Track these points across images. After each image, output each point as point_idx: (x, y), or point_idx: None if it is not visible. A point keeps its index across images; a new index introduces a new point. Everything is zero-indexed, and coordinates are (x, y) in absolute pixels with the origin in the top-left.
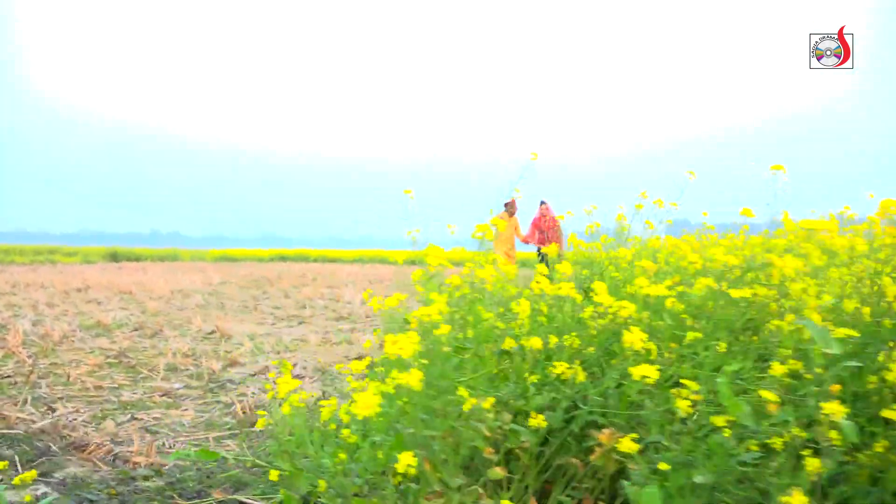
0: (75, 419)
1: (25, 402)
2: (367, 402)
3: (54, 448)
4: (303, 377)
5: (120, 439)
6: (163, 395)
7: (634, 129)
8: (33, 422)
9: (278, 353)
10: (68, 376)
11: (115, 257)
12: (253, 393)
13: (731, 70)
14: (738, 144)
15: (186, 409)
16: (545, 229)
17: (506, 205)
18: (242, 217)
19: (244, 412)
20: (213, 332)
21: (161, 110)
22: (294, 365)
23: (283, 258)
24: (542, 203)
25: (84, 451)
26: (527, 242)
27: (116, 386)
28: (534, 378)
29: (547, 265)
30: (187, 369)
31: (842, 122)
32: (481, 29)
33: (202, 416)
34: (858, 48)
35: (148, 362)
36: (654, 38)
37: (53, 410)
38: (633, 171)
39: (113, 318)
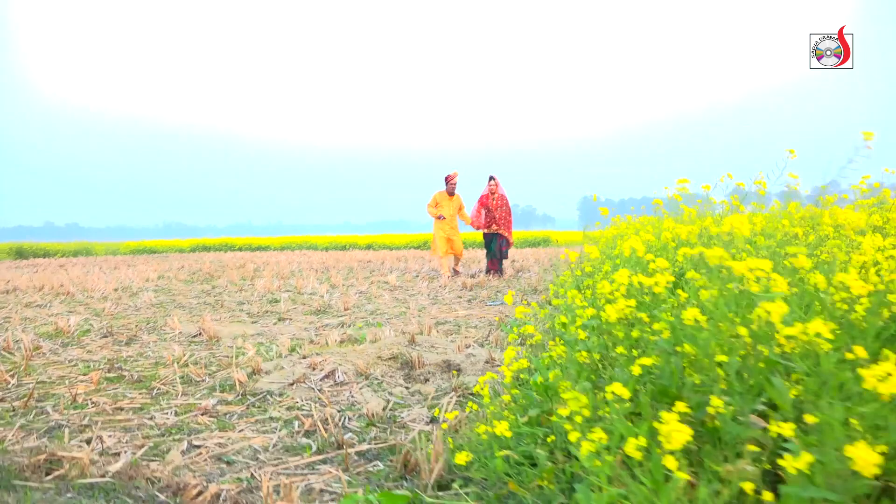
0: (133, 453)
1: (46, 432)
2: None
3: (161, 497)
4: (347, 383)
5: (195, 472)
6: (204, 415)
7: (629, 131)
8: (93, 462)
9: (305, 357)
10: (74, 397)
11: (21, 253)
12: (314, 405)
13: (730, 70)
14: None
15: (242, 430)
16: (493, 209)
17: (446, 179)
18: (143, 206)
19: (326, 431)
20: (198, 335)
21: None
22: (332, 371)
23: (205, 248)
24: (491, 179)
25: (184, 495)
26: (474, 226)
27: (139, 406)
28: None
29: (496, 249)
30: (203, 380)
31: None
32: (456, 17)
33: (270, 438)
34: (858, 48)
35: (152, 375)
36: (653, 38)
37: (89, 442)
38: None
39: (73, 324)
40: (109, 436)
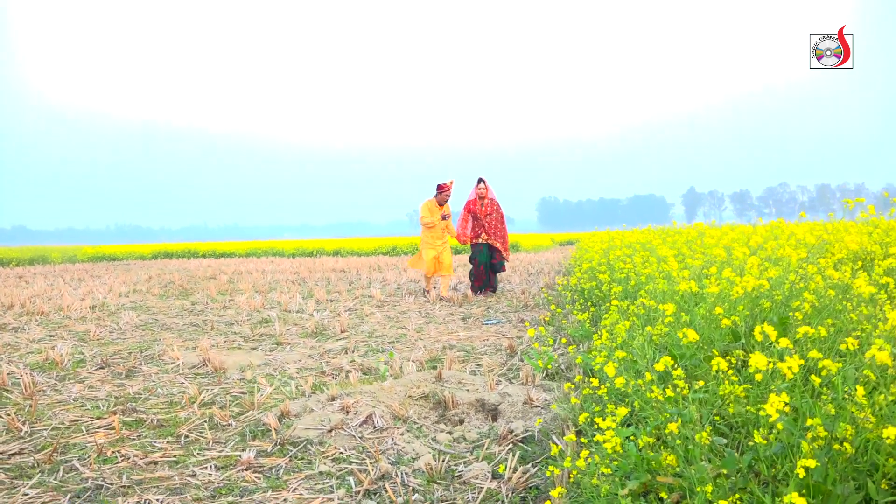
0: None
1: (88, 498)
2: None
3: None
4: (387, 429)
5: None
6: (248, 469)
7: (619, 109)
8: None
9: (333, 399)
10: (100, 449)
11: None
12: (367, 459)
13: (729, 72)
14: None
15: (295, 489)
16: (482, 216)
17: (440, 188)
18: (93, 206)
19: (393, 491)
20: (201, 365)
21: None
22: (370, 415)
23: (167, 255)
24: (480, 181)
25: None
26: (461, 240)
27: (174, 459)
28: None
29: (487, 262)
30: (229, 424)
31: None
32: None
33: (331, 500)
34: (858, 47)
35: (172, 418)
36: (650, 39)
37: None
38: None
39: (64, 354)
40: (158, 500)
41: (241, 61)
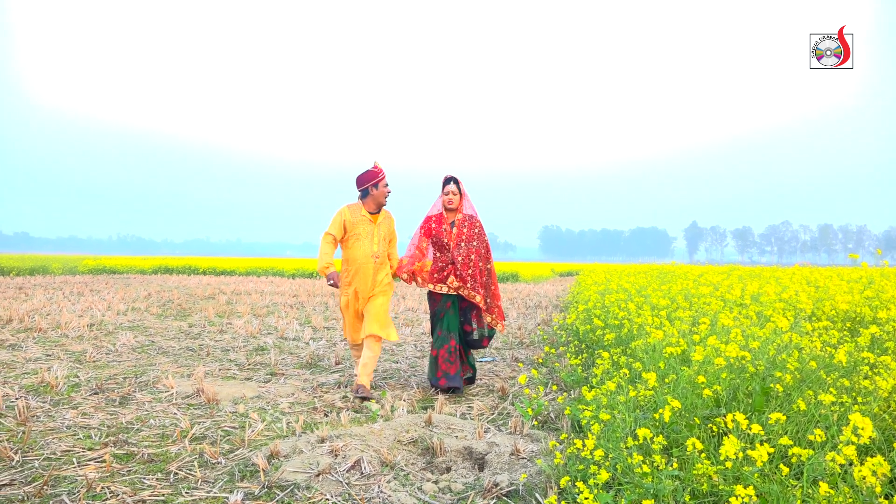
0: None
1: None
2: None
3: None
4: (374, 475)
5: None
6: None
7: (623, 142)
8: None
9: (323, 440)
10: (89, 485)
11: None
12: None
13: (728, 74)
14: (735, 155)
15: None
16: (451, 243)
17: (365, 178)
18: (96, 216)
19: None
20: (195, 395)
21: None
22: (358, 461)
23: (167, 270)
24: (449, 181)
25: None
26: (405, 276)
27: (162, 499)
28: None
29: (459, 331)
30: (219, 462)
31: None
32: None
33: None
34: (859, 48)
35: (163, 453)
36: (657, 73)
37: None
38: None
39: (59, 377)
40: None
41: (253, 76)
